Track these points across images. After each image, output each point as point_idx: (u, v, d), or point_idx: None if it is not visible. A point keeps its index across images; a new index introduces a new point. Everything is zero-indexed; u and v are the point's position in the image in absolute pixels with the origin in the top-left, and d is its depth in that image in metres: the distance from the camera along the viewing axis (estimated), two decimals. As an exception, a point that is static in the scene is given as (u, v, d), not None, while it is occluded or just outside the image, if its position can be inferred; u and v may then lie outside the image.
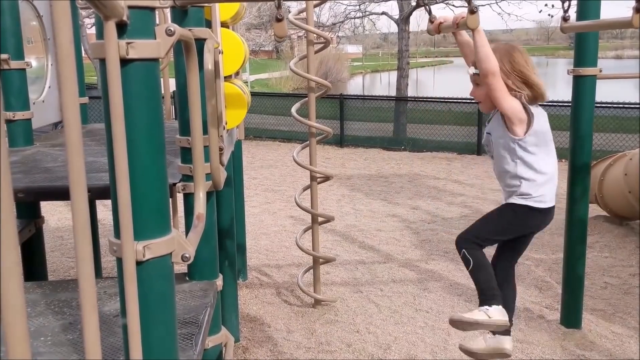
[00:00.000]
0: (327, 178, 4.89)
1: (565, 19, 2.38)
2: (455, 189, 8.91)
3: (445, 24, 2.42)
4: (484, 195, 8.50)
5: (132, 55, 1.47)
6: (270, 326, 4.47)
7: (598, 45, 4.07)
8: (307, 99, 4.66)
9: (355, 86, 41.46)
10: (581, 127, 4.16)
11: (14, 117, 3.79)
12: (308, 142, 4.72)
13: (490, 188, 8.89)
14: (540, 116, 2.54)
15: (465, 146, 11.88)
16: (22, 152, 3.71)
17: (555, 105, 11.28)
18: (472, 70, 2.48)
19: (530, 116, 2.47)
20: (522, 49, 2.55)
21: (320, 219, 4.91)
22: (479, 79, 2.51)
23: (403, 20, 13.99)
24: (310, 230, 4.91)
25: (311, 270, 4.95)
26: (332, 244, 6.35)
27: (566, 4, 2.29)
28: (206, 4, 2.66)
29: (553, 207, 2.61)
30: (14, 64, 3.74)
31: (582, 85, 4.10)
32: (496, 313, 2.41)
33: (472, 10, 1.83)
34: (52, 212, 7.51)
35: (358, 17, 16.13)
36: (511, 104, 2.43)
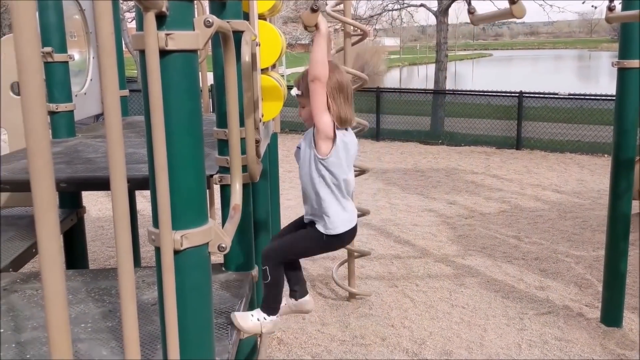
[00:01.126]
0: (362, 171, 4.87)
1: (610, 8, 2.30)
2: (494, 184, 8.78)
3: (485, 14, 2.37)
4: (523, 190, 8.35)
5: (171, 46, 1.49)
6: (305, 318, 4.48)
7: (645, 37, 3.93)
8: (343, 91, 4.64)
9: (392, 79, 41.17)
10: (625, 121, 4.03)
11: (57, 108, 3.89)
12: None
13: (530, 183, 8.72)
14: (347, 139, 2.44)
15: (504, 140, 11.68)
16: (65, 143, 3.80)
17: (598, 99, 10.99)
18: (294, 91, 2.46)
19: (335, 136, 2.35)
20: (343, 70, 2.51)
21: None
22: (302, 100, 2.45)
23: (442, 12, 13.80)
24: (346, 223, 4.90)
25: (346, 264, 4.95)
26: (367, 238, 6.33)
27: (612, -7, 2.22)
28: (244, -3, 2.67)
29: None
30: (58, 57, 3.82)
31: (627, 78, 3.97)
32: (270, 325, 2.53)
33: (514, 0, 1.78)
34: (94, 203, 7.69)
35: (396, 9, 15.98)
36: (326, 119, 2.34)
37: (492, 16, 2.19)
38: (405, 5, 15.71)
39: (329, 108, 2.35)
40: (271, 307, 2.53)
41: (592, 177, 8.96)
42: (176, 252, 1.56)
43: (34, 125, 0.94)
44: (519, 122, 11.48)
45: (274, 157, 5.30)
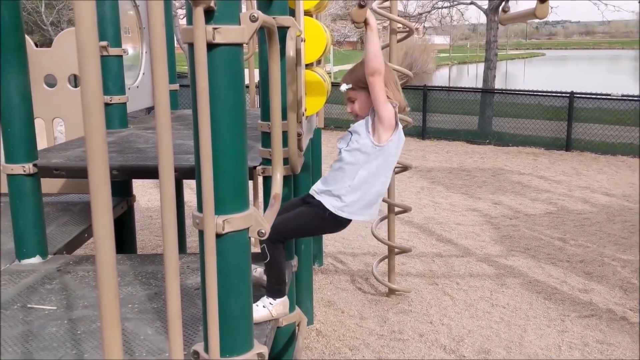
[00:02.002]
0: (405, 168, 4.89)
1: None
2: (541, 185, 8.62)
3: (513, 14, 2.39)
4: (571, 192, 8.18)
5: (218, 40, 1.56)
6: (344, 312, 4.54)
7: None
8: (388, 88, 4.67)
9: (441, 78, 40.72)
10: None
11: (110, 100, 4.06)
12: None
13: (578, 185, 8.54)
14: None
15: (554, 141, 11.44)
16: (118, 134, 3.97)
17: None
18: (344, 87, 2.51)
19: (397, 125, 2.46)
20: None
21: (397, 209, 4.93)
22: (353, 94, 2.52)
23: (492, 11, 13.59)
24: (387, 219, 4.93)
25: (386, 260, 4.98)
26: (409, 236, 6.34)
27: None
28: (291, -6, 2.74)
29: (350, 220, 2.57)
30: (112, 51, 3.99)
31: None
32: (280, 308, 2.47)
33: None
34: (143, 194, 7.94)
35: (445, 7, 15.82)
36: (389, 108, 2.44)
37: (518, 16, 2.20)
38: (455, 3, 15.54)
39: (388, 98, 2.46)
40: (274, 288, 2.47)
41: (645, 180, 8.71)
42: (218, 236, 1.65)
43: (91, 114, 1.03)
44: (569, 123, 11.22)
45: (317, 151, 5.37)
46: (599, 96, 11.37)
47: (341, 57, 35.84)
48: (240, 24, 1.63)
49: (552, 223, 6.74)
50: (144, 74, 4.83)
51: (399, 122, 2.51)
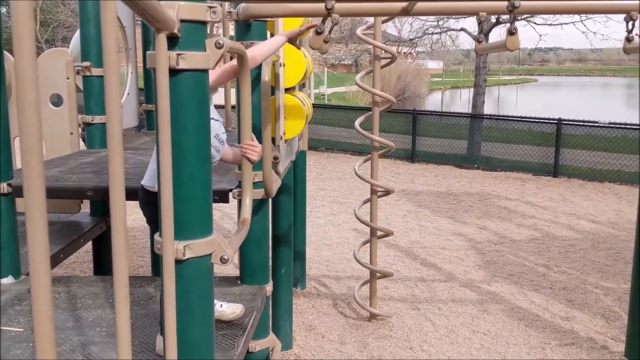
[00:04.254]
0: (387, 192, 4.89)
1: (629, 39, 2.30)
2: (527, 211, 8.64)
3: (488, 45, 2.44)
4: (557, 218, 8.20)
5: (182, 65, 1.57)
6: (324, 336, 4.50)
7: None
8: (371, 112, 4.70)
9: (433, 102, 40.97)
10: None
11: (92, 120, 4.06)
12: (370, 155, 4.75)
13: (564, 211, 8.56)
14: None
15: (541, 167, 11.50)
16: (97, 154, 3.96)
17: (635, 129, 10.74)
18: None
19: None
20: None
21: (379, 233, 4.92)
22: None
23: (476, 38, 13.74)
24: (369, 243, 4.92)
25: (368, 284, 4.95)
26: (393, 259, 6.32)
27: (630, 24, 2.22)
28: (269, 19, 2.77)
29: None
30: (95, 71, 4.00)
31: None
32: (230, 308, 2.54)
33: (512, 32, 1.82)
34: (129, 213, 7.90)
35: (436, 33, 16.00)
36: None
37: (492, 47, 2.24)
38: (445, 29, 15.72)
39: None
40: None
41: (631, 208, 8.73)
42: (179, 262, 1.64)
43: (28, 128, 1.02)
44: (556, 149, 11.29)
45: (301, 174, 5.37)
46: (586, 123, 11.47)
47: (335, 79, 36.09)
48: (205, 50, 1.64)
49: (537, 249, 6.74)
50: (128, 94, 4.84)
51: None
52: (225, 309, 2.55)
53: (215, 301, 2.68)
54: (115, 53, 1.23)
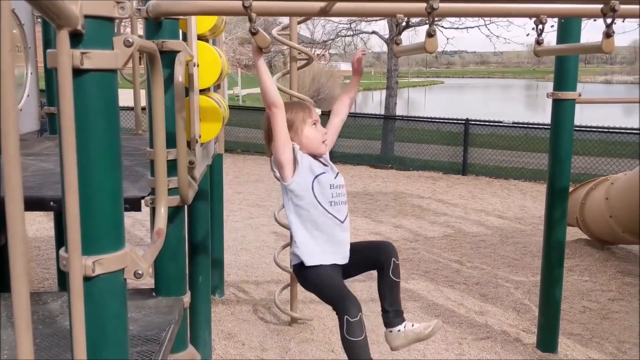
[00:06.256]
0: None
1: (539, 42, 2.37)
2: (439, 209, 8.90)
3: (405, 47, 2.46)
4: (467, 215, 8.49)
5: (87, 65, 1.44)
6: (245, 344, 4.40)
7: (577, 70, 4.09)
8: (288, 114, 4.63)
9: (347, 103, 41.49)
10: (560, 151, 4.16)
11: (-13, 124, 3.74)
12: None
13: (474, 208, 8.89)
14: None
15: (451, 166, 11.92)
16: (-6, 161, 3.65)
17: (540, 128, 11.35)
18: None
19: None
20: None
21: (299, 236, 4.86)
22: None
23: (392, 40, 14.08)
24: (290, 246, 4.86)
25: (289, 288, 4.89)
26: (312, 261, 6.30)
27: (540, 27, 2.29)
28: (181, 17, 2.64)
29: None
30: (-10, 72, 3.69)
31: (562, 109, 4.11)
32: (422, 325, 2.65)
33: (430, 34, 1.83)
34: (31, 222, 7.41)
35: (349, 35, 16.22)
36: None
37: (410, 49, 2.25)
38: (357, 32, 15.97)
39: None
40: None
41: (534, 203, 9.21)
42: (88, 279, 1.50)
43: None
44: (465, 149, 11.75)
45: (218, 178, 5.24)
46: (491, 123, 12.00)
47: (249, 80, 35.81)
48: (113, 49, 1.51)
49: (450, 245, 6.94)
50: (28, 95, 4.52)
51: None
52: (418, 327, 2.60)
53: (405, 323, 2.69)
54: (10, 52, 1.10)
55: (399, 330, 2.69)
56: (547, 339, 4.32)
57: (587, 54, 3.85)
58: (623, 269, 6.13)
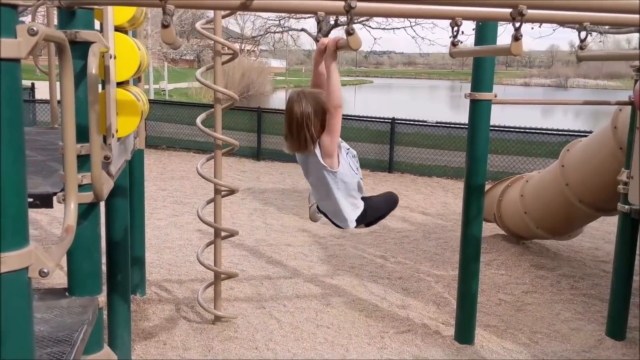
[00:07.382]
0: (232, 191, 4.81)
1: (454, 44, 2.46)
2: (366, 206, 9.04)
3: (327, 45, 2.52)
4: (393, 211, 8.66)
5: (-13, 53, 1.37)
6: (166, 343, 4.31)
7: (494, 71, 4.26)
8: (213, 109, 4.58)
9: (278, 100, 41.45)
10: (476, 150, 4.32)
11: None
12: (213, 153, 4.64)
13: (399, 205, 9.08)
14: None
15: (378, 163, 12.13)
16: None
17: (462, 127, 11.72)
18: None
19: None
20: None
21: (223, 233, 4.82)
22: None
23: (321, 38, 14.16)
24: (214, 244, 4.81)
25: (213, 286, 4.84)
26: (239, 259, 6.26)
27: (455, 29, 2.36)
28: (95, 7, 2.55)
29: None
30: None
31: (478, 109, 4.26)
32: None
33: (349, 32, 1.86)
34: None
35: (278, 32, 16.18)
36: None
37: (339, 47, 2.33)
38: (287, 29, 15.95)
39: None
40: None
41: (455, 200, 9.52)
42: (-11, 277, 1.43)
43: None
44: (391, 147, 11.99)
45: (139, 174, 5.10)
46: (417, 122, 12.30)
47: (176, 75, 35.04)
48: (16, 37, 1.45)
49: (375, 241, 7.07)
50: None
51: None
52: None
53: None
54: None
55: None
56: (465, 331, 4.48)
57: (497, 55, 4.04)
58: (537, 262, 6.44)
